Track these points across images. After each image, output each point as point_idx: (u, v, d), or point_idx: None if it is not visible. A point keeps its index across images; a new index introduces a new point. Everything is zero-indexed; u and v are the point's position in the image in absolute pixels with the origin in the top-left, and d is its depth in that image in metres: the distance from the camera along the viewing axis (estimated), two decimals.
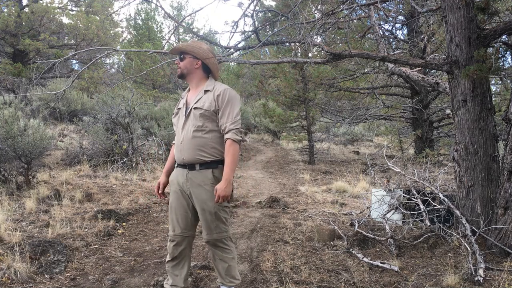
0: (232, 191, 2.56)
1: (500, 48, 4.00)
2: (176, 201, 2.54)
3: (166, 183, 2.67)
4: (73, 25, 15.94)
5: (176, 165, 2.58)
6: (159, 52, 5.72)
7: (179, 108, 2.58)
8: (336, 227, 4.14)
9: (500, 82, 8.31)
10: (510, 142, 3.30)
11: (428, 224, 3.84)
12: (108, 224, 4.31)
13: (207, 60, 2.57)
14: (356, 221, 4.23)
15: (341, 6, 5.01)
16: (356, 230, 3.92)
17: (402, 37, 9.90)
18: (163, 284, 2.94)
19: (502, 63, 4.80)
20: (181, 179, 2.50)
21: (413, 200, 4.18)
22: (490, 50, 3.67)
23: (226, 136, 2.42)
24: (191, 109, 2.48)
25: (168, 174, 2.67)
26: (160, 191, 2.66)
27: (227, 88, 2.50)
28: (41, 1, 16.12)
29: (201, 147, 2.42)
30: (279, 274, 3.15)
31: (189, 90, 2.64)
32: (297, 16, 4.74)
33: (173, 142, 2.66)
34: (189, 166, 2.46)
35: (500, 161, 3.55)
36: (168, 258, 2.60)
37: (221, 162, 2.45)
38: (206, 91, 2.51)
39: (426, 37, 7.79)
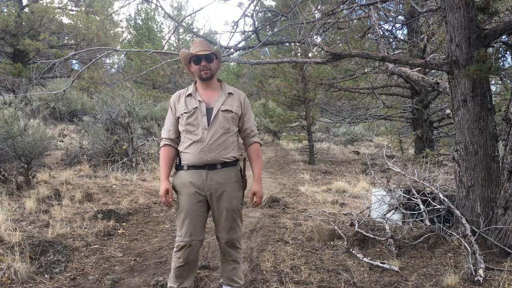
0: (245, 188, 2.65)
1: (500, 48, 4.00)
2: (192, 205, 2.46)
3: (171, 188, 2.54)
4: (73, 25, 15.95)
5: (185, 168, 2.49)
6: (159, 52, 5.73)
7: (195, 108, 2.47)
8: (336, 227, 4.14)
9: (500, 82, 8.31)
10: (510, 142, 3.30)
11: (428, 224, 3.84)
12: (108, 224, 4.31)
13: (220, 60, 2.64)
14: (356, 221, 4.23)
15: (341, 6, 5.01)
16: (356, 230, 3.92)
17: (402, 37, 9.91)
18: (163, 284, 2.94)
19: (502, 63, 4.80)
20: (198, 181, 2.45)
21: (413, 200, 4.18)
22: (490, 50, 3.67)
23: (253, 139, 2.62)
24: (218, 110, 2.46)
25: (168, 178, 2.57)
26: (170, 199, 2.52)
27: (244, 94, 2.67)
28: (41, 1, 16.12)
29: (226, 148, 2.48)
30: (279, 274, 3.15)
31: (195, 89, 2.56)
32: (297, 16, 4.74)
33: (166, 143, 2.57)
34: (208, 166, 2.45)
35: (500, 161, 3.55)
36: (180, 264, 2.49)
37: (236, 161, 2.58)
38: (229, 93, 2.56)
39: (426, 37, 7.79)
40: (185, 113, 2.49)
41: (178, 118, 2.54)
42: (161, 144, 2.61)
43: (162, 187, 2.52)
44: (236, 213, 2.54)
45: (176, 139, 2.58)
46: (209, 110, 2.47)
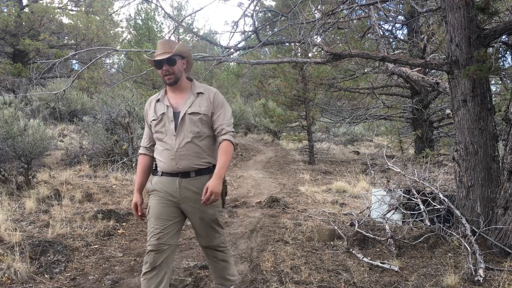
0: (226, 195, 2.46)
1: (500, 48, 4.00)
2: (163, 208, 2.32)
3: (141, 201, 2.45)
4: (73, 25, 15.95)
5: (160, 173, 2.36)
6: None
7: (163, 113, 2.34)
8: (336, 227, 4.14)
9: (500, 82, 8.31)
10: (510, 142, 3.30)
11: (428, 224, 3.84)
12: (108, 224, 4.31)
13: (190, 57, 2.44)
14: (356, 221, 4.23)
15: (341, 6, 5.01)
16: (356, 230, 3.92)
17: (402, 37, 9.91)
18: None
19: (502, 63, 4.80)
20: (171, 188, 2.32)
21: (413, 200, 4.18)
22: (490, 50, 3.67)
23: (223, 137, 2.31)
24: (184, 114, 2.29)
25: (142, 190, 2.47)
26: (140, 213, 2.44)
27: (217, 90, 2.43)
28: (41, 1, 16.13)
29: (198, 154, 2.30)
30: (279, 274, 3.15)
31: (165, 93, 2.41)
32: (297, 16, 4.74)
33: (141, 152, 2.49)
34: (182, 174, 2.30)
35: (500, 161, 3.55)
36: (146, 269, 2.28)
37: (213, 168, 2.34)
38: (198, 93, 2.36)
39: (426, 37, 7.80)
40: (153, 120, 2.37)
41: (150, 125, 2.42)
42: (138, 153, 2.55)
43: (133, 200, 2.45)
44: (214, 222, 2.40)
45: (152, 147, 2.47)
46: (176, 115, 2.31)
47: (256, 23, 5.20)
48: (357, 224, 4.12)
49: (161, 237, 2.28)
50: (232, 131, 2.35)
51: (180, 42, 2.49)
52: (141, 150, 2.51)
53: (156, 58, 2.30)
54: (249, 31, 5.00)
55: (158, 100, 2.40)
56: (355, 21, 7.15)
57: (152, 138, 2.46)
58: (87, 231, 4.05)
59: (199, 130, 2.30)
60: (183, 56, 2.37)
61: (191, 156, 2.29)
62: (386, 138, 13.02)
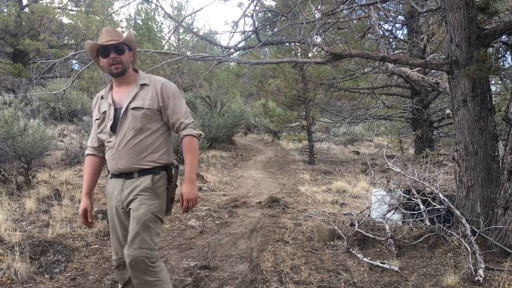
0: (173, 201, 2.19)
1: (500, 48, 4.00)
2: (114, 217, 2.15)
3: (91, 207, 2.24)
4: (73, 25, 15.95)
5: (110, 176, 2.20)
6: (159, 52, 5.74)
7: (104, 112, 2.15)
8: (336, 227, 4.14)
9: (500, 82, 8.32)
10: (510, 142, 3.30)
11: (428, 224, 3.84)
12: (108, 224, 4.31)
13: (136, 50, 2.27)
14: (356, 221, 4.23)
15: (341, 6, 5.02)
16: (356, 230, 3.92)
17: (402, 37, 9.92)
18: None
19: (502, 63, 4.81)
20: (117, 191, 2.13)
21: (413, 200, 4.18)
22: (490, 50, 3.67)
23: (183, 132, 2.12)
24: (126, 109, 2.09)
25: (90, 194, 2.25)
26: (89, 219, 2.24)
27: (166, 80, 2.20)
28: (41, 1, 16.13)
29: (142, 153, 2.08)
30: (279, 274, 3.15)
31: (110, 88, 2.21)
32: (297, 16, 4.74)
33: (88, 152, 2.27)
34: (125, 175, 2.11)
35: (500, 161, 3.55)
36: (119, 287, 2.19)
37: (163, 168, 2.14)
38: (142, 85, 2.14)
39: (426, 37, 7.80)
40: (96, 120, 2.20)
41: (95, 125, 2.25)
42: (85, 153, 2.32)
43: (81, 205, 2.23)
44: (142, 224, 2.01)
45: (100, 147, 2.25)
46: (117, 111, 2.11)
47: (256, 23, 5.20)
48: (357, 224, 4.12)
49: (118, 251, 2.16)
50: (192, 122, 2.16)
51: (127, 33, 2.29)
52: (88, 151, 2.28)
53: (105, 44, 2.09)
54: (249, 31, 5.00)
55: (102, 97, 2.22)
56: (355, 21, 7.16)
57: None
58: (87, 231, 4.05)
59: (141, 126, 2.08)
60: (130, 48, 2.19)
61: (131, 156, 2.07)
62: (386, 138, 13.03)
